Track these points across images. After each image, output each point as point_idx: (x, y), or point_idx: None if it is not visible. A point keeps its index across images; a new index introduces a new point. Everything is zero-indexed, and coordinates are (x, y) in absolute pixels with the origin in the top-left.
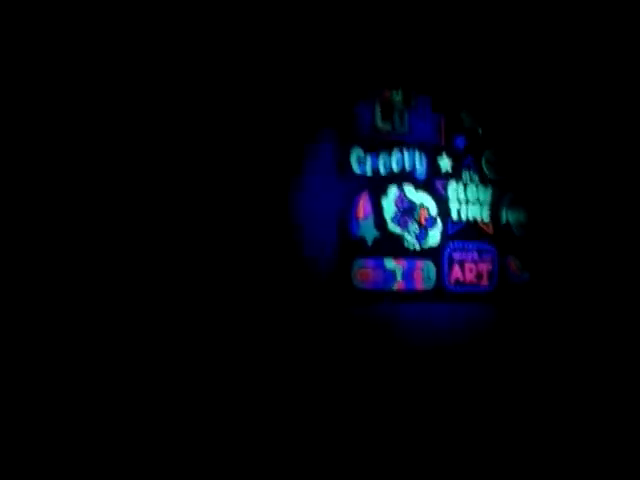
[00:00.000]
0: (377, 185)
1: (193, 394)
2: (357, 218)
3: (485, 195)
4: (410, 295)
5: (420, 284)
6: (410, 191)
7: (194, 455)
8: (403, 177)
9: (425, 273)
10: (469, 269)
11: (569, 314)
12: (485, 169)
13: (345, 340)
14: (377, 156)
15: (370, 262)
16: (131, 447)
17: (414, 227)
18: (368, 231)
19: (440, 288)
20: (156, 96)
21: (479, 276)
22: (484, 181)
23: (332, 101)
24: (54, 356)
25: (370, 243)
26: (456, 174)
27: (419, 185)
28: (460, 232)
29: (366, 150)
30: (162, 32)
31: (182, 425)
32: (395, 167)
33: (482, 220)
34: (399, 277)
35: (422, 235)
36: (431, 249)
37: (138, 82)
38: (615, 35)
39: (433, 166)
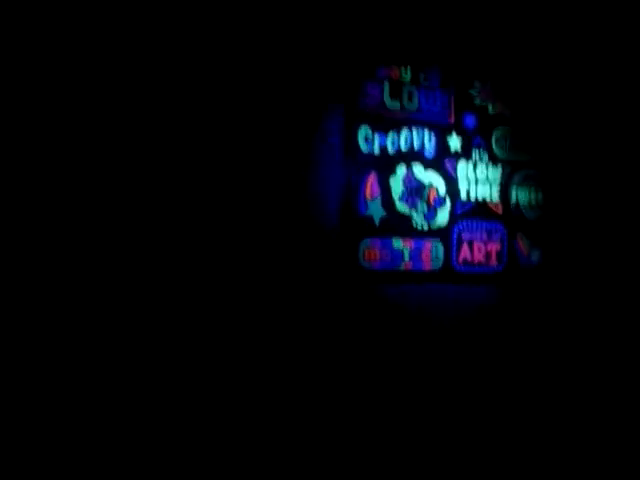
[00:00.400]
0: (385, 165)
1: (197, 375)
2: (365, 198)
3: (495, 174)
4: (418, 276)
5: (428, 264)
6: (419, 170)
7: (200, 428)
8: (412, 156)
9: (433, 253)
10: (478, 249)
11: (580, 297)
12: (495, 148)
13: (351, 320)
14: (385, 135)
15: (377, 242)
16: (138, 435)
17: (423, 207)
18: (376, 211)
19: (448, 268)
20: (158, 83)
21: (488, 256)
22: (494, 160)
23: (339, 79)
24: (54, 356)
25: (378, 223)
26: (466, 153)
27: (428, 164)
28: (469, 212)
29: (374, 129)
30: (162, 18)
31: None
32: (403, 146)
33: (491, 200)
34: (407, 257)
35: (431, 215)
36: (439, 229)
37: (140, 75)
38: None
39: (442, 145)
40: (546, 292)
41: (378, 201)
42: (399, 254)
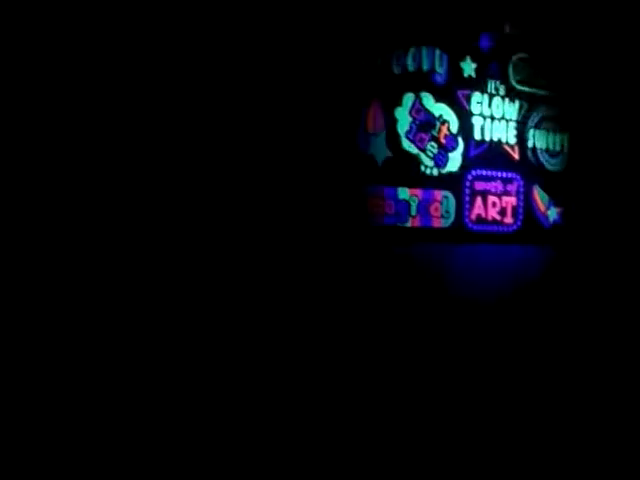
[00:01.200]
0: (390, 92)
1: None
2: (367, 132)
3: (511, 111)
4: (426, 234)
5: (437, 220)
6: (428, 100)
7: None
8: (420, 82)
9: (443, 207)
10: (492, 203)
11: (602, 263)
12: (512, 78)
13: (347, 278)
14: (390, 53)
15: (381, 190)
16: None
17: (432, 146)
18: (379, 149)
19: (459, 226)
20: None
21: (502, 212)
22: (511, 94)
23: None
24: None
25: (380, 163)
26: (480, 83)
27: (438, 93)
28: (483, 155)
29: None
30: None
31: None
32: (410, 66)
33: (507, 142)
34: (414, 211)
35: (441, 158)
36: (451, 176)
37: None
38: None
39: (455, 69)
40: (565, 255)
41: (382, 138)
42: (405, 206)
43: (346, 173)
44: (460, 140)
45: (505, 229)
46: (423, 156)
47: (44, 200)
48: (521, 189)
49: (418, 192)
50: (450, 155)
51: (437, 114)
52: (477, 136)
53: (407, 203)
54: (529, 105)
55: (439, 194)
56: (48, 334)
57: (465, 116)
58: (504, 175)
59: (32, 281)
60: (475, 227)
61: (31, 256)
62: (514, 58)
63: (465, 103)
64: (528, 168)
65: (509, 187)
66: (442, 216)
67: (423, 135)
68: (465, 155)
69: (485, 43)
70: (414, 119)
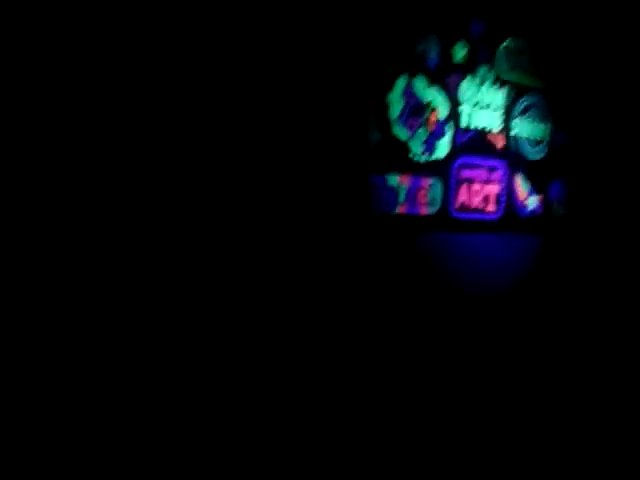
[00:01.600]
0: (382, 76)
1: None
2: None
3: (498, 99)
4: (412, 221)
5: (424, 207)
6: (420, 84)
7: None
8: (413, 66)
9: (431, 194)
10: (476, 191)
11: (586, 246)
12: (500, 65)
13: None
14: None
15: (372, 177)
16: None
17: (422, 132)
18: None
19: (444, 214)
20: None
21: (486, 200)
22: (498, 81)
23: None
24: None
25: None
26: (470, 69)
27: (430, 78)
28: (469, 143)
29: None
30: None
31: None
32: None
33: (492, 130)
34: (402, 197)
35: (430, 144)
36: (438, 163)
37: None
38: None
39: (446, 54)
40: (545, 244)
41: (372, 121)
42: (394, 193)
43: (339, 161)
44: (449, 127)
45: (488, 217)
46: (413, 142)
47: (44, 200)
48: (504, 177)
49: (407, 179)
50: (438, 142)
51: (428, 99)
52: (464, 123)
53: (396, 191)
54: (515, 93)
55: (427, 181)
56: (48, 334)
57: (454, 102)
58: (489, 163)
59: (32, 281)
60: (460, 215)
61: (31, 256)
62: (503, 45)
63: (455, 89)
64: (511, 156)
65: (493, 175)
66: (429, 203)
67: (414, 120)
68: (453, 142)
69: (477, 28)
70: (406, 103)
